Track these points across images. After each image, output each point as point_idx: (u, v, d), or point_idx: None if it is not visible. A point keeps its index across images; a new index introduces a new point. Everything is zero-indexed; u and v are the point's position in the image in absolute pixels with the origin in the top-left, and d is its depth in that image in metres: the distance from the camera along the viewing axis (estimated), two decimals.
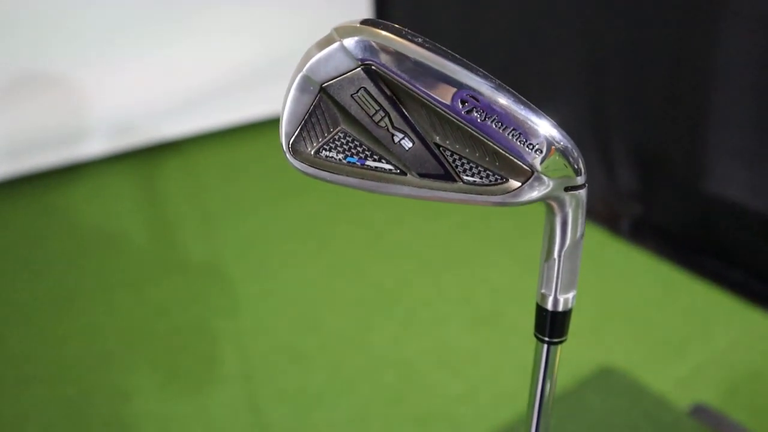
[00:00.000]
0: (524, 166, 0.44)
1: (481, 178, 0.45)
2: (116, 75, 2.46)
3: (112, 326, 1.76)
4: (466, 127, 0.43)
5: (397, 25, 0.43)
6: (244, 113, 2.72)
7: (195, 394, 1.54)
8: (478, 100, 0.42)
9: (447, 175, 0.45)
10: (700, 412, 1.46)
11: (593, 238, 2.12)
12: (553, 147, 0.44)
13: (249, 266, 2.00)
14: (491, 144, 0.43)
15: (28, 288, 1.90)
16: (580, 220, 0.49)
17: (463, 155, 0.45)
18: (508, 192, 0.45)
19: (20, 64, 2.30)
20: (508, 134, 0.43)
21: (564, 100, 2.21)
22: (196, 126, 2.68)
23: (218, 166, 2.61)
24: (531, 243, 2.08)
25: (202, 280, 1.95)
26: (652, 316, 1.79)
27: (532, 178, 0.45)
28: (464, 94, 0.42)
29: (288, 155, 0.45)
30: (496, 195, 0.45)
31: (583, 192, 0.47)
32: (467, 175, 0.45)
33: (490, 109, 0.42)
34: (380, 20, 0.43)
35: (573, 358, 1.63)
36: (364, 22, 0.43)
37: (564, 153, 0.45)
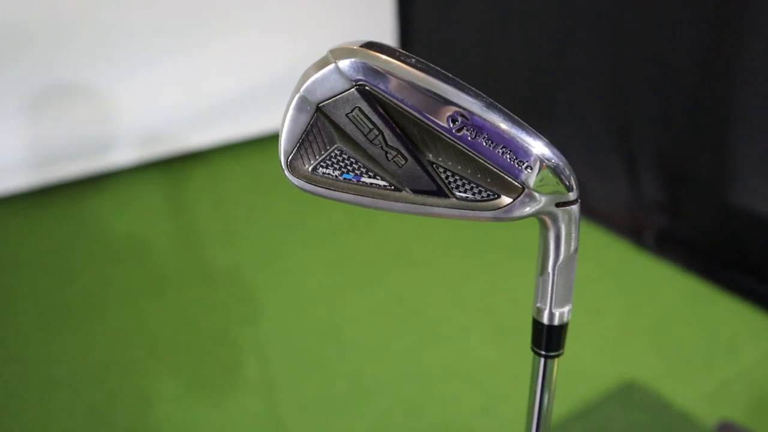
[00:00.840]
0: (515, 183, 0.45)
1: (474, 194, 0.46)
2: (144, 86, 2.50)
3: (137, 333, 1.79)
4: (457, 145, 0.44)
5: (392, 47, 0.44)
6: (269, 124, 2.76)
7: (216, 401, 1.56)
8: (468, 119, 0.43)
9: (440, 192, 0.46)
10: (725, 429, 1.43)
11: (617, 250, 2.09)
12: (543, 164, 0.45)
13: (271, 275, 2.02)
14: (482, 161, 0.44)
15: (55, 295, 1.95)
16: (574, 235, 0.49)
17: (456, 172, 0.46)
18: (500, 208, 0.46)
19: (50, 75, 2.36)
20: (499, 152, 0.44)
21: (589, 110, 2.20)
22: (221, 136, 2.72)
23: (242, 176, 2.64)
24: None
25: (224, 289, 1.97)
26: (676, 330, 1.76)
27: (523, 195, 0.45)
28: (455, 113, 0.43)
29: (286, 172, 0.46)
30: (488, 211, 0.46)
31: (575, 208, 0.48)
32: (460, 192, 0.46)
33: (480, 128, 0.43)
34: (378, 42, 0.45)
35: (595, 371, 1.62)
36: (364, 44, 0.44)
37: (555, 169, 0.45)
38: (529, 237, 2.14)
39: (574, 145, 2.26)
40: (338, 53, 0.43)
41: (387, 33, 2.88)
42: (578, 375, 1.61)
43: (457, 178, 0.46)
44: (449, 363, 1.67)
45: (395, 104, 0.43)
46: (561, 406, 1.51)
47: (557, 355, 0.54)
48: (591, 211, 2.22)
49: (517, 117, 0.45)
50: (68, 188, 2.46)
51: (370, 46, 0.44)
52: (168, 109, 2.59)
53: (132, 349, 1.72)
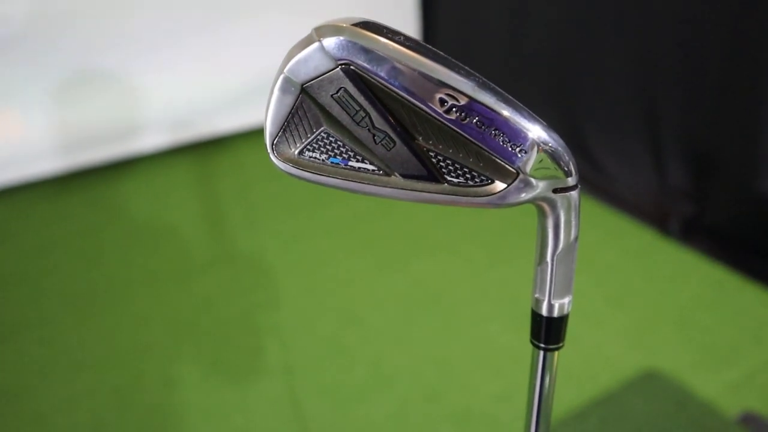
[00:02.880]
0: (509, 168, 0.43)
1: (466, 179, 0.44)
2: (170, 73, 2.52)
3: (160, 317, 1.81)
4: (446, 128, 0.42)
5: (382, 24, 0.43)
6: None
7: (237, 386, 1.58)
8: (458, 100, 0.41)
9: (431, 176, 0.44)
10: (749, 420, 1.40)
11: (641, 237, 2.05)
12: (539, 147, 0.42)
13: (292, 261, 2.03)
14: (474, 144, 0.42)
15: (81, 279, 1.98)
16: (574, 223, 0.47)
17: (447, 156, 0.43)
18: (494, 194, 0.44)
19: (78, 63, 2.38)
20: (491, 135, 0.42)
21: (613, 95, 2.15)
22: (246, 122, 2.72)
23: (266, 162, 2.62)
24: (579, 242, 2.03)
25: (246, 274, 1.98)
26: (701, 319, 1.72)
27: (518, 180, 0.43)
28: (443, 94, 0.41)
29: (272, 156, 0.45)
30: (481, 197, 0.44)
31: (575, 194, 0.45)
32: (451, 176, 0.44)
33: (470, 109, 0.41)
34: (368, 20, 0.43)
35: (616, 359, 1.59)
36: (353, 22, 0.42)
37: (552, 153, 0.43)
38: None
39: (598, 130, 2.22)
40: (322, 31, 0.41)
41: (410, 23, 2.85)
42: (599, 363, 1.58)
43: (449, 162, 0.44)
44: (470, 350, 1.66)
45: (381, 84, 0.41)
46: (580, 394, 1.49)
47: (557, 348, 0.52)
48: (615, 198, 2.18)
49: (512, 98, 0.42)
50: (95, 173, 2.50)
51: (359, 23, 0.42)
52: (193, 95, 2.61)
53: (155, 333, 1.74)
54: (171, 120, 2.60)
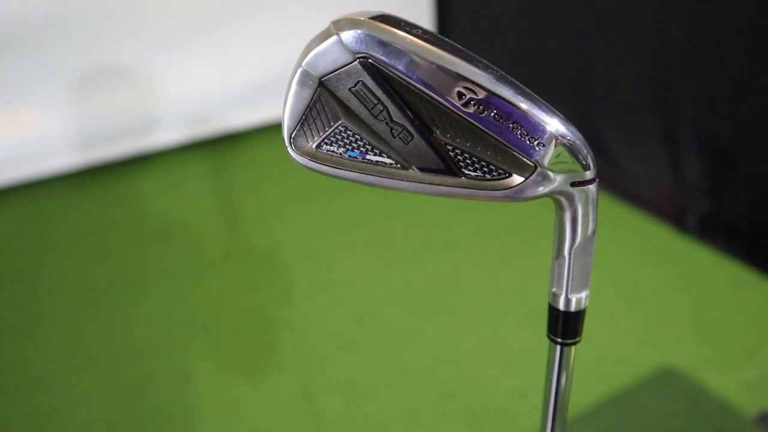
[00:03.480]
0: (527, 161, 0.43)
1: (483, 172, 0.44)
2: (185, 68, 2.53)
3: (175, 312, 1.82)
4: (464, 121, 0.42)
5: (399, 17, 0.42)
6: None
7: (250, 381, 1.58)
8: (475, 93, 0.41)
9: (448, 170, 0.44)
10: (766, 420, 1.39)
11: (657, 234, 2.04)
12: (557, 141, 0.42)
13: (306, 256, 2.03)
14: (492, 138, 0.42)
15: (97, 273, 1.99)
16: (591, 216, 0.47)
17: (464, 149, 0.43)
18: (511, 187, 0.44)
19: (93, 59, 2.40)
20: (509, 128, 0.42)
21: (629, 90, 2.13)
22: (260, 118, 2.73)
23: (280, 158, 2.64)
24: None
25: (260, 269, 1.99)
26: (718, 317, 1.71)
27: (535, 173, 0.43)
28: (461, 87, 0.41)
29: (290, 150, 0.45)
30: (499, 190, 0.44)
31: (592, 187, 0.45)
32: (469, 170, 0.44)
33: (488, 102, 0.41)
34: (386, 14, 0.43)
35: (631, 357, 1.58)
36: (371, 15, 0.42)
37: (569, 147, 0.43)
38: None
39: (613, 126, 2.20)
40: (341, 24, 0.41)
41: (424, 17, 2.85)
42: (614, 361, 1.57)
43: (467, 155, 0.43)
44: (483, 346, 1.65)
45: (399, 77, 0.41)
46: (595, 392, 1.49)
47: (574, 343, 0.52)
48: (631, 194, 2.16)
49: (530, 91, 0.42)
50: (111, 169, 2.51)
51: (376, 17, 0.42)
52: (209, 91, 2.62)
53: (170, 328, 1.76)
54: (186, 116, 2.61)
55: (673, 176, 2.05)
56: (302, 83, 0.43)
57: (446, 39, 0.42)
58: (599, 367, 1.56)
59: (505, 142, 0.42)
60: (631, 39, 2.07)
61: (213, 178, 2.54)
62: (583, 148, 0.43)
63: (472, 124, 0.42)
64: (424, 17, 2.85)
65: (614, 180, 2.22)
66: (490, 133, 0.42)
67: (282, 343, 1.69)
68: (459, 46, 0.42)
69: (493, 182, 0.44)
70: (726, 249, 1.91)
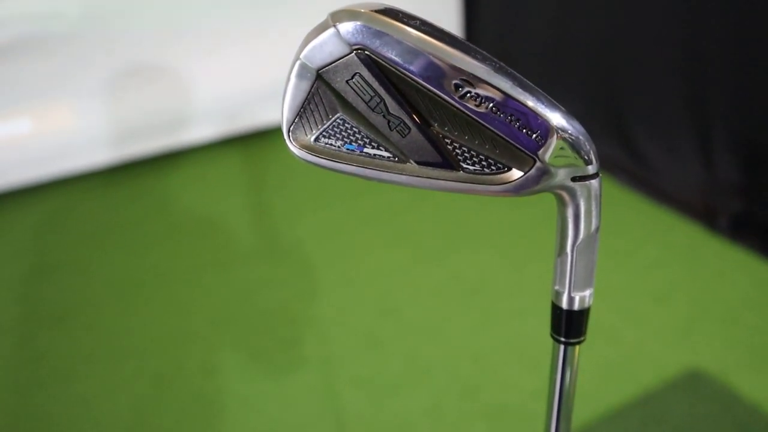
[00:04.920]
0: (526, 155, 0.42)
1: (482, 166, 0.43)
2: (218, 65, 2.56)
3: (201, 306, 1.84)
4: (462, 114, 0.41)
5: (398, 9, 0.42)
6: None
7: (274, 375, 1.59)
8: (473, 85, 0.40)
9: (446, 163, 0.43)
10: None
11: (687, 233, 2.00)
12: (557, 134, 0.41)
13: (330, 253, 2.04)
14: (489, 131, 0.41)
15: (128, 268, 2.03)
16: (594, 212, 0.46)
17: (463, 142, 0.43)
18: (510, 182, 0.43)
19: (128, 58, 2.44)
20: (507, 120, 0.41)
21: (660, 85, 2.09)
22: None
23: None
24: (619, 236, 1.99)
25: (285, 265, 2.00)
26: (749, 319, 1.67)
27: (534, 168, 0.42)
28: (458, 79, 0.40)
29: (288, 142, 0.45)
30: (497, 185, 0.43)
31: (595, 182, 0.44)
32: (467, 164, 0.43)
33: (485, 94, 0.40)
34: (385, 4, 0.42)
35: (659, 358, 1.55)
36: (370, 7, 0.42)
37: (569, 140, 0.42)
38: None
39: (642, 121, 2.16)
40: (337, 16, 0.41)
41: (452, 8, 2.83)
42: (641, 362, 1.55)
43: (465, 149, 0.43)
44: (507, 344, 1.64)
45: (396, 70, 0.41)
46: (621, 393, 1.46)
47: (578, 342, 0.51)
48: (660, 192, 2.12)
49: (531, 83, 0.41)
50: (144, 165, 2.55)
51: (374, 8, 0.41)
52: (239, 88, 2.64)
53: (197, 322, 1.78)
54: (217, 112, 2.64)
55: (705, 173, 2.01)
56: (300, 75, 0.43)
57: (446, 30, 0.42)
58: (626, 367, 1.54)
59: (504, 136, 0.41)
60: (662, 30, 2.03)
61: (242, 174, 2.56)
62: (586, 142, 0.42)
63: (470, 116, 0.41)
64: (451, 7, 2.83)
65: (643, 177, 2.18)
66: (487, 126, 0.41)
67: (305, 339, 1.69)
68: (458, 37, 0.41)
69: (491, 176, 0.43)
70: (759, 249, 1.86)
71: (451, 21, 2.82)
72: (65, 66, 2.34)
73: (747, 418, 1.39)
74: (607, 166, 2.28)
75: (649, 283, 1.81)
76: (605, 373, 1.53)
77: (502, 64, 0.41)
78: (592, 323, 1.73)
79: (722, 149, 1.94)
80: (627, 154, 2.21)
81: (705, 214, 2.00)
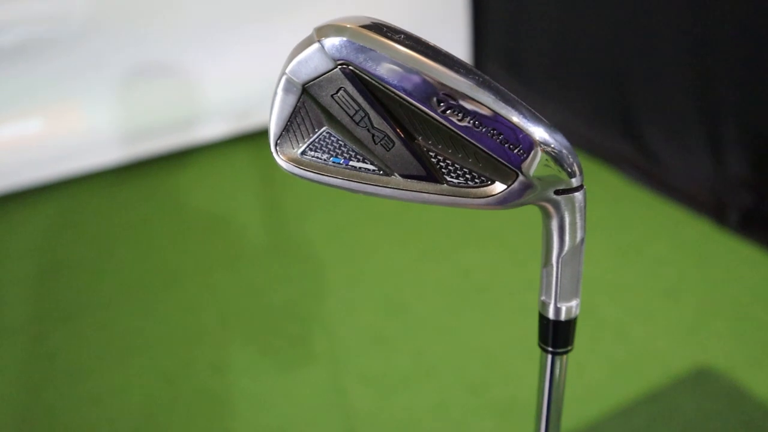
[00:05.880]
0: (508, 168, 0.42)
1: (465, 179, 0.43)
2: (227, 64, 2.57)
3: (209, 304, 1.85)
4: (445, 128, 0.41)
5: (383, 22, 0.42)
6: None
7: (282, 373, 1.61)
8: (454, 100, 0.40)
9: (430, 177, 0.43)
10: None
11: (696, 228, 1.98)
12: (540, 148, 0.41)
13: (338, 251, 2.05)
14: (472, 145, 0.42)
15: (138, 266, 2.04)
16: (579, 224, 0.46)
17: (446, 156, 0.43)
18: (494, 195, 0.43)
19: (138, 56, 2.45)
20: (489, 135, 0.41)
21: (669, 79, 2.07)
22: None
23: None
24: (628, 232, 1.98)
25: (293, 263, 2.01)
26: (758, 315, 1.65)
27: (517, 181, 0.42)
28: (440, 94, 0.40)
29: (275, 156, 0.46)
30: (481, 197, 0.43)
31: (579, 195, 0.44)
32: (451, 177, 0.43)
33: (466, 109, 0.40)
34: (371, 18, 0.43)
35: (667, 355, 1.55)
36: (355, 21, 0.42)
37: (552, 154, 0.42)
38: (602, 214, 2.07)
39: (651, 115, 2.14)
40: (322, 31, 0.41)
41: (461, 17, 2.82)
42: (649, 358, 1.54)
43: (448, 162, 0.43)
44: (514, 342, 1.64)
45: (379, 84, 0.41)
46: (628, 390, 1.46)
47: (565, 352, 0.51)
48: (668, 187, 2.11)
49: (514, 97, 0.41)
50: (154, 163, 2.57)
51: (359, 22, 0.41)
52: (250, 86, 2.64)
53: (206, 320, 1.79)
54: (227, 111, 2.65)
55: (714, 168, 1.99)
56: (286, 90, 0.43)
57: (431, 43, 0.42)
58: (633, 364, 1.53)
59: (486, 150, 0.41)
60: (671, 24, 2.01)
61: (251, 172, 2.57)
62: (569, 155, 0.42)
63: (453, 131, 0.41)
64: (459, 6, 2.83)
65: (651, 172, 2.17)
66: (470, 140, 0.41)
67: (314, 336, 1.70)
68: (443, 51, 0.42)
69: (475, 189, 0.43)
70: None
71: (459, 17, 2.81)
72: (76, 66, 2.35)
73: (755, 414, 1.38)
74: (616, 161, 2.26)
75: (657, 279, 1.80)
76: (613, 369, 1.53)
77: (486, 78, 0.41)
78: (600, 320, 1.74)
79: (732, 144, 1.92)
80: (636, 149, 2.20)
81: (714, 209, 1.99)
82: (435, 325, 1.71)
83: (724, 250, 1.89)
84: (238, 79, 2.62)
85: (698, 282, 1.79)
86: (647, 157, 2.18)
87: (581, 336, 1.70)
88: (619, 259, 1.87)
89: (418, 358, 1.61)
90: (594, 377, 1.52)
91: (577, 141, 2.35)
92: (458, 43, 2.80)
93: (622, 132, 2.21)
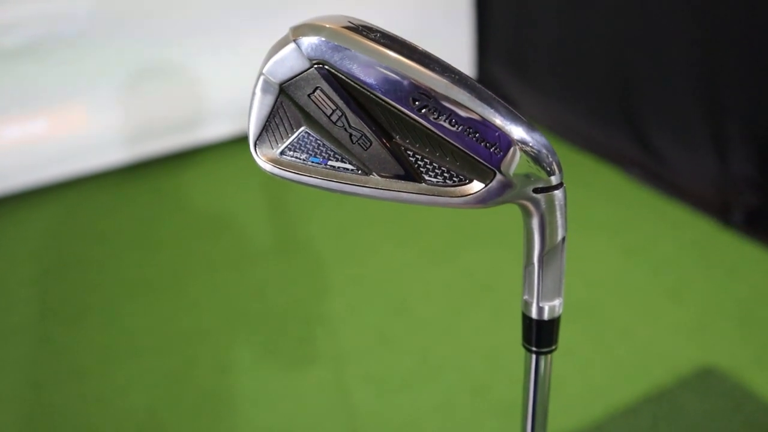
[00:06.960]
0: (485, 167, 0.42)
1: (444, 179, 0.43)
2: (230, 64, 2.57)
3: (214, 304, 1.86)
4: (421, 126, 0.41)
5: (360, 21, 0.42)
6: None
7: (286, 373, 1.61)
8: (429, 98, 0.40)
9: (408, 176, 0.43)
10: None
11: (700, 228, 1.97)
12: (517, 146, 0.41)
13: (342, 251, 2.05)
14: (448, 143, 0.41)
15: (142, 266, 2.05)
16: (560, 223, 0.45)
17: (424, 155, 0.43)
18: (472, 193, 0.43)
19: (141, 57, 2.46)
20: (465, 133, 0.41)
21: (674, 78, 2.06)
22: None
23: None
24: (633, 232, 1.97)
25: (297, 263, 2.01)
26: (764, 315, 1.64)
27: (495, 180, 0.42)
28: (416, 92, 0.40)
29: (255, 156, 0.46)
30: (459, 197, 0.43)
31: (559, 193, 0.44)
32: (429, 176, 0.43)
33: (441, 107, 0.40)
34: (348, 17, 0.43)
35: (671, 354, 1.54)
36: (333, 20, 0.42)
37: (531, 153, 0.42)
38: (607, 214, 2.05)
39: (656, 115, 2.13)
40: (298, 31, 0.41)
41: (465, 13, 2.81)
42: (653, 358, 1.53)
43: (426, 161, 0.43)
44: (518, 342, 1.63)
45: (355, 84, 0.41)
46: (632, 390, 1.45)
47: (549, 352, 0.51)
48: (673, 186, 2.09)
49: (492, 94, 0.41)
50: (158, 164, 2.58)
51: (335, 21, 0.41)
52: (254, 86, 2.65)
53: (210, 320, 1.80)
54: (232, 111, 2.65)
55: (719, 168, 1.98)
56: (264, 90, 0.43)
57: (407, 41, 0.42)
58: (637, 364, 1.52)
59: (463, 148, 0.41)
60: (676, 23, 2.00)
61: (256, 172, 2.56)
62: (548, 154, 0.42)
63: (429, 129, 0.41)
64: (464, 2, 2.82)
65: (656, 171, 2.15)
66: (446, 138, 0.41)
67: (317, 337, 1.70)
68: (419, 49, 0.41)
69: (453, 188, 0.43)
70: None
71: (463, 16, 2.80)
72: (80, 66, 2.37)
73: (759, 415, 1.37)
74: (621, 161, 2.25)
75: (662, 279, 1.79)
76: (617, 369, 1.52)
77: (463, 75, 0.41)
78: (605, 319, 1.72)
79: (737, 143, 1.91)
80: (640, 148, 2.18)
81: (719, 209, 1.98)
82: (439, 326, 1.71)
83: (729, 249, 1.88)
84: (243, 79, 2.61)
85: (703, 282, 1.77)
86: (652, 156, 2.16)
87: (586, 336, 1.70)
88: (623, 258, 1.86)
89: (421, 358, 1.61)
90: (598, 377, 1.51)
91: (581, 141, 2.34)
92: (462, 42, 2.79)
93: (627, 132, 2.20)
